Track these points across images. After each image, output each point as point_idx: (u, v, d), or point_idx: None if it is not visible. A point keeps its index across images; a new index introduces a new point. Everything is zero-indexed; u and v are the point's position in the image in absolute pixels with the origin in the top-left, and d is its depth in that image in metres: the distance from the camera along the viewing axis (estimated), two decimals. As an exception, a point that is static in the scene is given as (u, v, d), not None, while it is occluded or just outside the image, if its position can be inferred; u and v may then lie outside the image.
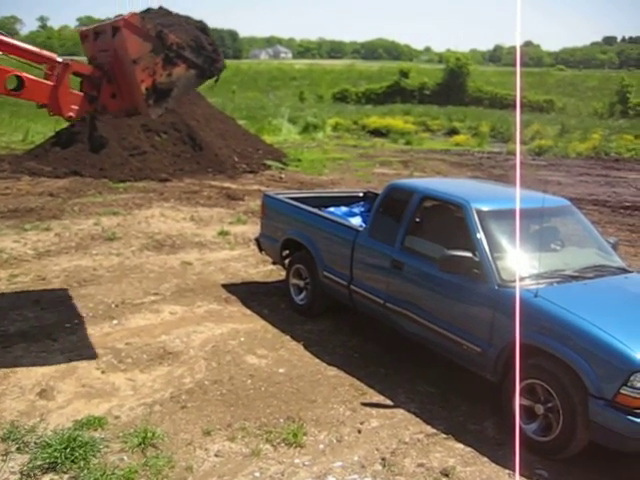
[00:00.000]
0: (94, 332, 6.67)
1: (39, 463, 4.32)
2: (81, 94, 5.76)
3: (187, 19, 5.99)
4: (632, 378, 4.31)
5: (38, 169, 15.31)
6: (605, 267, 5.81)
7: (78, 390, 5.47)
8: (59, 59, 5.71)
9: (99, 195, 13.47)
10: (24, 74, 5.53)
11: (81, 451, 4.42)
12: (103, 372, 5.83)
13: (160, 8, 6.09)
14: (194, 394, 5.50)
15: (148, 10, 6.09)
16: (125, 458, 4.51)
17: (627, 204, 15.20)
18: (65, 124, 17.39)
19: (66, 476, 4.26)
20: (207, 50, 5.78)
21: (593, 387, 4.46)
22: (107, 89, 5.78)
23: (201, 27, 5.94)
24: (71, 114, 5.74)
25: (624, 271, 5.84)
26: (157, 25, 5.55)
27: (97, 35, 6.22)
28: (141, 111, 5.94)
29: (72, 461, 4.35)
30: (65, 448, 4.41)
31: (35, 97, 5.66)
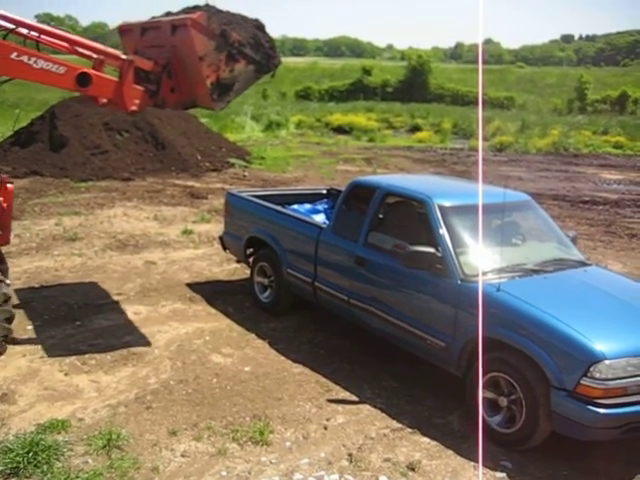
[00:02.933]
0: (56, 334, 6.58)
1: (0, 469, 4.24)
2: (142, 89, 5.98)
3: (243, 17, 6.26)
4: (592, 369, 4.40)
5: (-4, 169, 15.02)
6: (565, 261, 5.91)
7: (40, 393, 5.39)
8: (123, 56, 5.95)
9: (60, 195, 13.27)
10: (91, 71, 5.76)
11: (44, 455, 4.36)
12: (66, 374, 5.75)
13: (207, 5, 6.35)
14: (159, 394, 5.46)
15: (196, 7, 6.35)
16: (90, 461, 4.45)
17: (586, 198, 15.50)
18: (24, 123, 17.14)
19: (29, 480, 4.20)
20: (265, 47, 6.12)
21: (554, 379, 4.53)
22: (167, 84, 6.05)
23: (258, 25, 6.24)
24: (134, 108, 5.98)
25: (583, 264, 5.95)
26: (221, 24, 5.84)
27: (144, 31, 6.50)
28: (203, 104, 6.24)
29: (35, 465, 4.28)
30: (28, 452, 4.33)
31: (101, 92, 5.92)
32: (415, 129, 31.53)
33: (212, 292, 8.10)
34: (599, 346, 4.46)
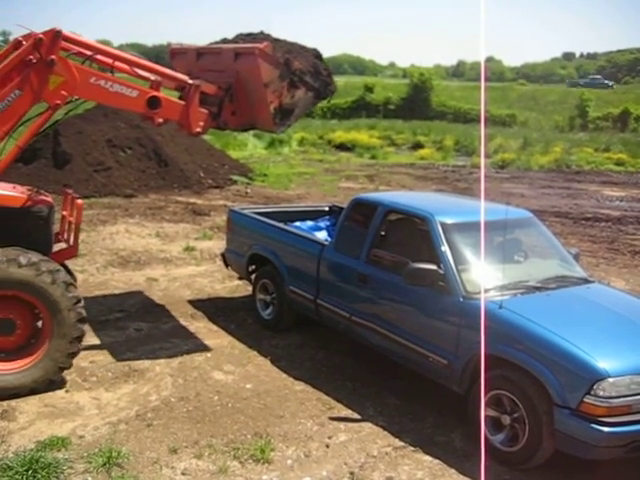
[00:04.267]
0: (57, 351, 6.55)
1: (0, 486, 4.23)
2: (206, 112, 6.24)
3: (302, 47, 6.55)
4: (595, 387, 4.37)
5: None
6: (567, 278, 5.90)
7: (41, 410, 5.37)
8: (190, 81, 6.17)
9: (62, 211, 13.26)
10: (161, 94, 5.99)
11: (44, 473, 4.34)
12: (67, 391, 5.74)
13: (262, 33, 6.69)
14: (160, 412, 5.43)
15: (250, 34, 6.71)
16: (89, 479, 4.43)
17: (588, 215, 15.49)
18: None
19: (28, 499, 4.18)
20: (323, 75, 6.43)
21: (558, 397, 4.51)
22: (228, 107, 6.36)
23: (317, 54, 6.54)
24: (198, 130, 6.27)
25: (586, 281, 5.94)
26: (284, 53, 6.14)
27: (200, 55, 6.90)
28: (264, 127, 6.59)
29: (35, 483, 4.25)
30: (27, 470, 4.32)
31: (169, 115, 6.14)
32: (417, 146, 31.57)
33: (214, 309, 8.08)
34: (602, 364, 4.43)
